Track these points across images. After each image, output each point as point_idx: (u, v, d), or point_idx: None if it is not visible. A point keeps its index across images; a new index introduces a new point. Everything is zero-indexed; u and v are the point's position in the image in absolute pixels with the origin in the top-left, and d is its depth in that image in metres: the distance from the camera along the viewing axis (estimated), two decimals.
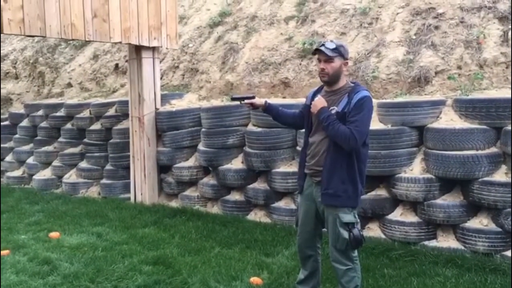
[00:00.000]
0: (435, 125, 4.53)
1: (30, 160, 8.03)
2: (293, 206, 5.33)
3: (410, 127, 4.63)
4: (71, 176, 7.42)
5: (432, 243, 4.45)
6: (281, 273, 4.07)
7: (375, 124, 4.82)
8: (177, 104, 6.56)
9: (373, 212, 4.76)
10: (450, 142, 4.33)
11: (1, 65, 10.47)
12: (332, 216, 3.05)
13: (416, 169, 4.59)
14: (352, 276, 3.10)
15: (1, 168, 8.46)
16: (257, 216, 5.63)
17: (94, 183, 7.23)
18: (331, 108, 3.00)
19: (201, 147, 6.00)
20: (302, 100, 5.79)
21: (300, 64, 6.42)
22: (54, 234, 5.41)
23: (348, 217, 3.01)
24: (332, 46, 2.98)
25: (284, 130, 5.33)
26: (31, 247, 5.03)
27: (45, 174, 7.75)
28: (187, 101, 6.68)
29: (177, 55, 7.88)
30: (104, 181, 7.02)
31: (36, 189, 7.62)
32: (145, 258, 4.54)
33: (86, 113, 7.49)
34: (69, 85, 8.98)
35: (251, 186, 5.61)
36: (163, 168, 6.54)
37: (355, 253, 3.13)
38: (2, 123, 8.82)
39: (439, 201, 4.43)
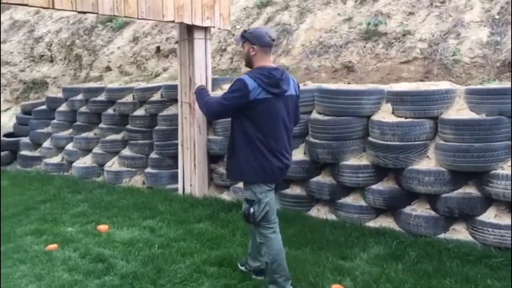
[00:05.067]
0: None
1: (70, 147, 7.68)
2: (362, 203, 4.84)
3: (509, 117, 4.07)
4: (113, 164, 7.05)
5: None
6: (367, 280, 3.61)
7: (466, 113, 4.28)
8: None
9: (460, 212, 4.23)
10: None
11: (36, 48, 10.17)
12: None
13: None
14: (265, 251, 3.46)
15: (40, 154, 8.16)
16: (320, 212, 5.16)
17: (138, 172, 6.84)
18: None
19: None
20: (369, 86, 5.29)
21: (365, 46, 5.88)
22: (102, 227, 5.06)
23: (247, 193, 3.35)
24: (240, 33, 3.45)
25: (355, 118, 4.82)
26: (81, 241, 4.67)
27: (86, 161, 7.39)
28: None
29: (223, 37, 7.41)
30: (148, 170, 6.62)
31: (76, 177, 7.29)
32: (208, 258, 4.13)
33: (129, 98, 7.08)
34: (108, 68, 8.61)
35: (314, 179, 5.13)
36: (213, 158, 6.10)
37: (268, 231, 3.37)
38: (38, 108, 8.50)
39: None
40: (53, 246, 4.57)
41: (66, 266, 4.09)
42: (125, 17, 4.99)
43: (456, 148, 4.18)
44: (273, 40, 3.35)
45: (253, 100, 3.14)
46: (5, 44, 10.71)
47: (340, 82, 5.67)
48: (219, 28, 6.03)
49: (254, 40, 3.26)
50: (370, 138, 4.76)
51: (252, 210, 3.27)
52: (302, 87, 5.59)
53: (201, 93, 3.58)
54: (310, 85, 5.56)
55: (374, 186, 4.73)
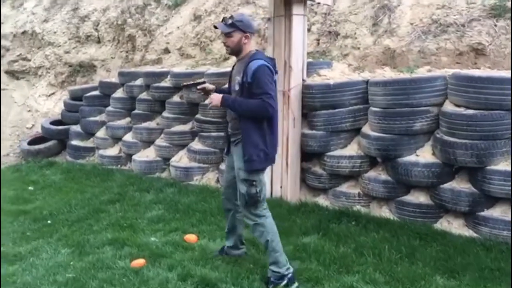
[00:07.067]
0: None
1: (128, 138, 6.90)
2: None
3: None
4: (181, 159, 6.24)
5: None
6: None
7: None
8: (329, 75, 5.18)
9: None
10: None
11: (82, 27, 9.35)
12: (237, 173, 3.33)
13: None
14: (261, 231, 3.30)
15: (93, 145, 7.41)
16: (451, 225, 4.26)
17: (211, 168, 6.02)
18: (235, 78, 3.27)
19: (371, 132, 4.63)
20: (501, 73, 4.32)
21: (495, 25, 4.90)
22: (190, 237, 4.27)
23: (250, 175, 3.22)
24: (229, 22, 3.21)
25: (508, 113, 3.90)
26: (172, 256, 3.88)
27: (148, 154, 6.60)
28: (339, 72, 5.29)
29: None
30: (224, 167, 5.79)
31: (138, 171, 6.50)
32: (341, 286, 3.29)
33: None
34: (166, 50, 7.76)
35: (447, 186, 4.23)
36: (306, 156, 5.22)
37: (263, 210, 3.30)
38: (90, 93, 7.73)
39: None
40: (140, 262, 3.79)
41: None
42: None
43: None
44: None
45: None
46: (47, 23, 9.92)
47: (464, 67, 4.72)
48: (318, 3, 5.12)
49: (246, 29, 3.23)
50: None
51: (255, 190, 3.22)
52: (426, 73, 4.70)
53: (236, 100, 3.21)
54: (437, 71, 4.63)
55: None
